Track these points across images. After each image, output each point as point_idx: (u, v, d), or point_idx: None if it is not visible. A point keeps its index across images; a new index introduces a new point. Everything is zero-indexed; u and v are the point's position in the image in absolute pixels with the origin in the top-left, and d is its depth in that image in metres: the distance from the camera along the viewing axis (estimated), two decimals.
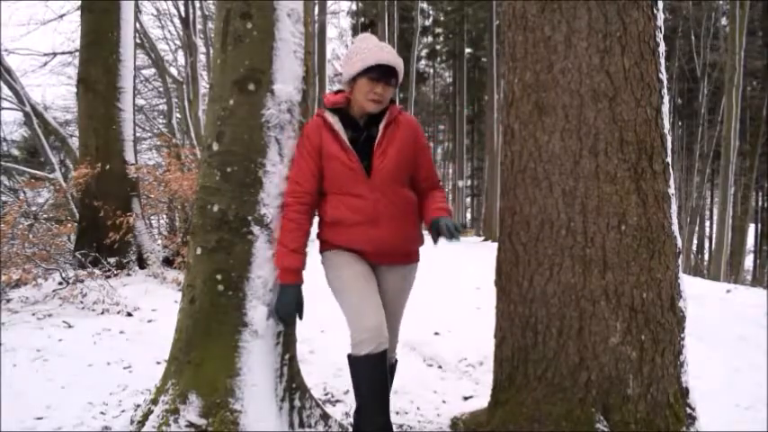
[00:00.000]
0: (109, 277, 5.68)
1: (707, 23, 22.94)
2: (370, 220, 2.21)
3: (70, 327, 4.43)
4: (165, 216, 8.32)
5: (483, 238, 20.28)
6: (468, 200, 40.87)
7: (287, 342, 2.57)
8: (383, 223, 2.21)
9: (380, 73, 2.15)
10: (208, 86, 3.21)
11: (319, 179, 2.27)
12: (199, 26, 17.69)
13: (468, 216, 40.88)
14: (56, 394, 3.13)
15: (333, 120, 2.24)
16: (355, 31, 29.30)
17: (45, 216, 7.24)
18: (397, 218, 2.26)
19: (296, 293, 2.28)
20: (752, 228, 24.73)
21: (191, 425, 2.31)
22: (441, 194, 2.40)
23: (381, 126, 2.21)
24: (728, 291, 7.12)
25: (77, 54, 8.17)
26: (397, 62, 2.19)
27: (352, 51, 2.21)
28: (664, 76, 2.42)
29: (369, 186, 2.19)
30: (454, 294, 6.18)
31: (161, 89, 19.03)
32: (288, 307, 2.29)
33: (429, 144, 2.41)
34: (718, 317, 5.34)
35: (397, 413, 3.05)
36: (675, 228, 2.43)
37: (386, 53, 2.16)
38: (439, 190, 2.41)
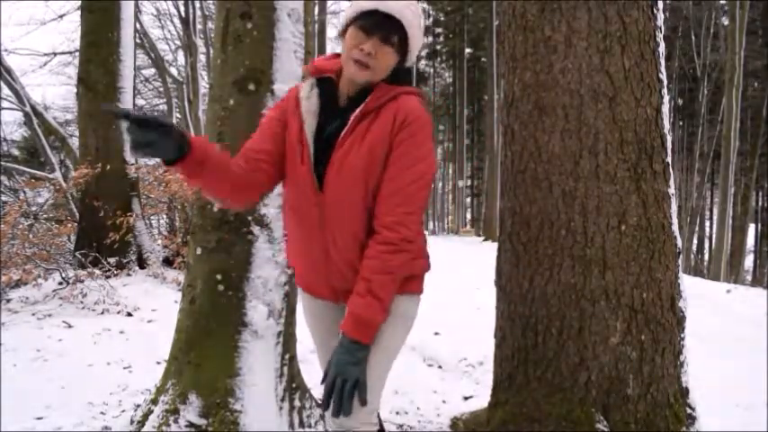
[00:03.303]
0: (109, 277, 5.68)
1: (707, 23, 22.95)
2: (318, 255, 1.51)
3: (70, 327, 4.43)
4: (165, 216, 8.32)
5: (483, 238, 20.28)
6: (468, 200, 40.90)
7: (287, 342, 2.57)
8: (335, 258, 1.50)
9: (374, 23, 1.40)
10: (208, 86, 3.22)
11: (276, 147, 1.56)
12: (199, 26, 17.69)
13: (468, 216, 40.89)
14: (56, 394, 3.13)
15: (305, 93, 1.52)
16: None
17: (45, 216, 7.24)
18: (355, 252, 1.49)
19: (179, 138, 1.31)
20: (752, 228, 24.75)
21: (191, 425, 2.32)
22: (381, 254, 1.41)
23: (353, 115, 1.43)
24: (728, 291, 7.13)
25: (77, 54, 8.16)
26: (403, 11, 1.41)
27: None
28: (664, 76, 2.42)
29: (318, 205, 1.46)
30: (454, 294, 6.18)
31: (161, 89, 19.05)
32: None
33: (421, 150, 1.44)
34: (718, 317, 5.34)
35: (398, 413, 3.05)
36: (675, 228, 2.43)
37: (399, 3, 1.42)
38: (387, 243, 1.41)
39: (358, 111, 1.44)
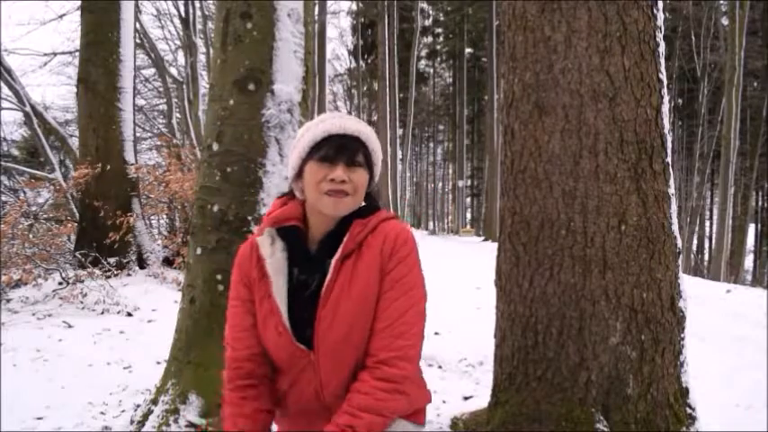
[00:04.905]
0: (109, 277, 5.69)
1: (707, 23, 22.96)
2: (317, 410, 1.32)
3: (70, 327, 4.43)
4: (165, 216, 8.33)
5: (483, 238, 20.30)
6: (469, 200, 40.93)
7: None
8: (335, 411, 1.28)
9: (339, 147, 1.28)
10: (208, 86, 3.23)
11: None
12: (199, 26, 17.69)
13: (468, 216, 40.91)
14: (56, 394, 3.13)
15: (268, 251, 1.33)
16: (355, 31, 29.31)
17: (45, 216, 7.24)
18: None
19: None
20: (752, 228, 24.77)
21: (191, 425, 2.32)
22: (377, 391, 1.22)
23: (334, 260, 1.29)
24: (728, 291, 7.13)
25: (77, 54, 8.17)
26: (365, 130, 1.33)
27: (300, 131, 1.37)
28: (664, 76, 2.42)
29: (310, 364, 1.29)
30: (454, 294, 6.18)
31: (161, 89, 19.05)
32: None
33: (413, 272, 1.31)
34: (718, 317, 5.34)
35: None
36: (675, 228, 2.43)
37: (347, 120, 1.33)
38: (386, 380, 1.23)
39: (338, 254, 1.28)
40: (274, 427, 1.44)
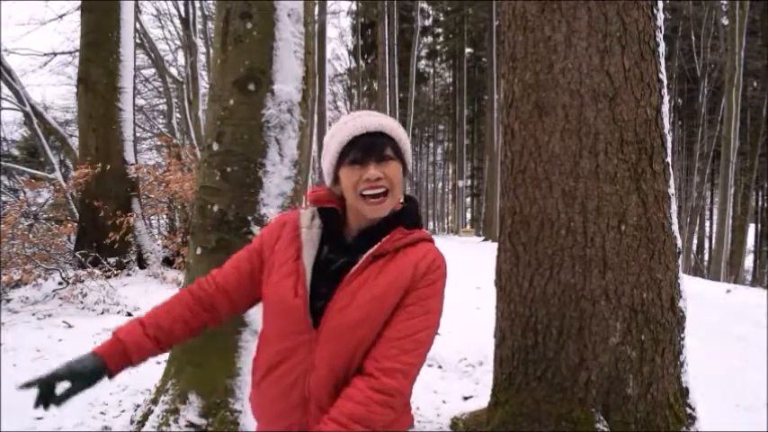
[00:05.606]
0: (109, 277, 5.69)
1: (707, 23, 22.96)
2: (297, 400, 1.30)
3: (70, 327, 4.43)
4: (165, 216, 8.33)
5: (483, 238, 20.30)
6: (469, 200, 40.92)
7: None
8: (315, 411, 1.27)
9: (365, 148, 1.30)
10: (208, 86, 3.24)
11: (246, 287, 1.46)
12: (199, 26, 17.70)
13: (468, 216, 40.92)
14: None
15: (307, 222, 1.39)
16: (355, 31, 29.32)
17: (45, 216, 7.24)
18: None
19: (92, 365, 1.28)
20: (752, 228, 24.77)
21: (191, 425, 2.32)
22: (371, 402, 1.19)
23: (367, 254, 1.31)
24: (728, 291, 7.13)
25: (77, 54, 8.17)
26: (388, 123, 1.34)
27: (326, 138, 1.39)
28: (664, 76, 2.42)
29: (308, 343, 1.28)
30: (454, 294, 6.17)
31: (161, 89, 19.06)
32: (70, 370, 1.25)
33: (437, 298, 1.34)
34: (718, 317, 5.34)
35: None
36: (675, 228, 2.43)
37: (366, 117, 1.34)
38: (381, 392, 1.20)
39: (372, 251, 1.30)
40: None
